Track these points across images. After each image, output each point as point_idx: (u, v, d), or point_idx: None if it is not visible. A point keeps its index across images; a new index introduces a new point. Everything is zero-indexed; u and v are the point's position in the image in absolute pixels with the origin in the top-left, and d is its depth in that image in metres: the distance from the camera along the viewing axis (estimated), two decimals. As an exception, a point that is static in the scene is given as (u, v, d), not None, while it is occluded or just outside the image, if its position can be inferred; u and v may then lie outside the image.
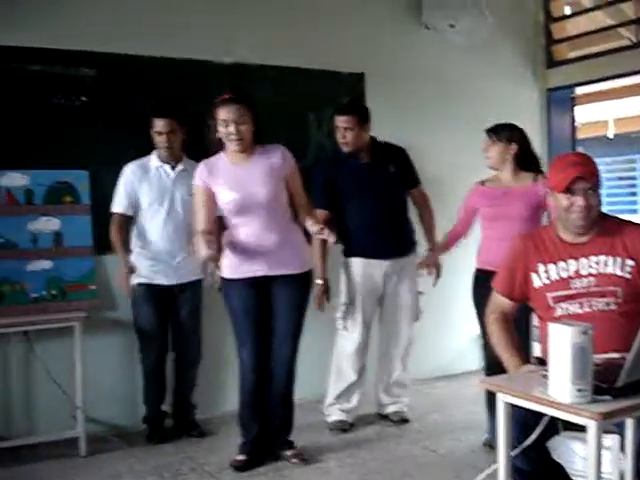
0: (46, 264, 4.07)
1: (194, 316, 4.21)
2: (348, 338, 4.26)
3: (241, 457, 3.71)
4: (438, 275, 4.30)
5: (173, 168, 4.12)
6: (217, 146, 3.58)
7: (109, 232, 4.05)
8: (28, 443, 4.03)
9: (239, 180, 3.53)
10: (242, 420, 3.74)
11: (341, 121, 4.14)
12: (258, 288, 3.61)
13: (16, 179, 4.04)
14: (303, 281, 3.71)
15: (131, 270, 4.03)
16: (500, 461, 2.33)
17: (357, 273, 4.23)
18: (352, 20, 4.99)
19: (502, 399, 2.30)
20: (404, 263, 4.27)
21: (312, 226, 3.54)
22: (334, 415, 4.29)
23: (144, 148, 4.11)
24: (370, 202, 4.18)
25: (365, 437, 4.17)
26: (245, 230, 3.57)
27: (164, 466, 3.77)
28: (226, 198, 3.53)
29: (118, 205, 4.07)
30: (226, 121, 3.47)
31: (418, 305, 4.37)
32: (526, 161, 3.85)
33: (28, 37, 4.05)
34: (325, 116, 4.73)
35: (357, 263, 4.23)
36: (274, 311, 3.67)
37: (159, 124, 4.04)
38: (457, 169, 5.04)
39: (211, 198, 3.56)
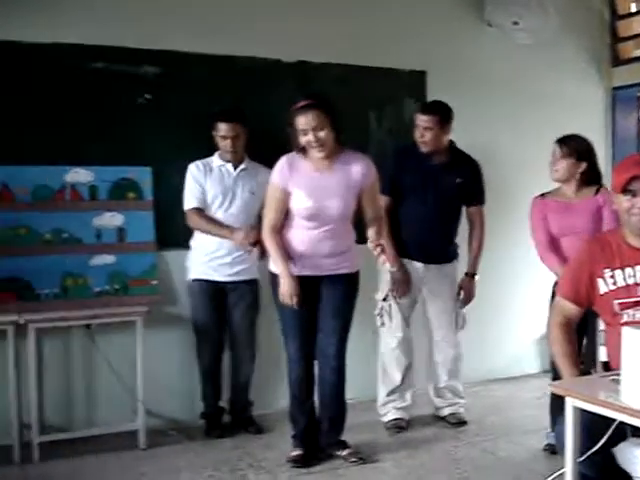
0: (109, 259, 4.13)
1: (249, 314, 4.23)
2: (388, 334, 4.24)
3: (296, 452, 3.73)
4: (468, 301, 4.30)
5: (235, 167, 4.15)
6: (297, 144, 3.57)
7: (190, 225, 4.10)
8: (88, 435, 4.11)
9: (317, 189, 3.53)
10: (291, 413, 3.79)
11: (422, 120, 4.11)
12: (307, 285, 3.60)
13: (81, 175, 4.11)
14: (351, 280, 3.72)
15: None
16: (567, 466, 2.29)
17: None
18: (414, 17, 4.94)
19: (571, 403, 2.25)
20: (444, 270, 4.24)
21: (371, 242, 3.49)
22: (390, 414, 4.28)
23: (206, 145, 4.15)
24: (426, 205, 4.14)
25: (422, 438, 4.14)
26: (307, 234, 3.58)
27: (222, 461, 3.80)
28: (301, 204, 3.54)
29: (191, 200, 4.09)
30: (305, 130, 3.46)
31: (462, 313, 4.32)
32: (591, 177, 3.74)
33: (92, 35, 4.12)
34: (386, 114, 4.71)
35: (404, 263, 4.19)
36: (322, 309, 3.67)
37: (224, 128, 4.06)
38: (521, 170, 5.03)
39: (285, 196, 3.57)
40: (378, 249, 3.43)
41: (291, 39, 4.54)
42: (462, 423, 4.31)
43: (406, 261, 4.18)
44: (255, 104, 4.27)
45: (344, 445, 3.80)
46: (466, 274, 4.32)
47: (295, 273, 3.58)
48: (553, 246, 3.71)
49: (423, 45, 4.94)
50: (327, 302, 3.66)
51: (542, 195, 3.83)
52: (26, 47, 4.01)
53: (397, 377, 4.26)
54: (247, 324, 4.23)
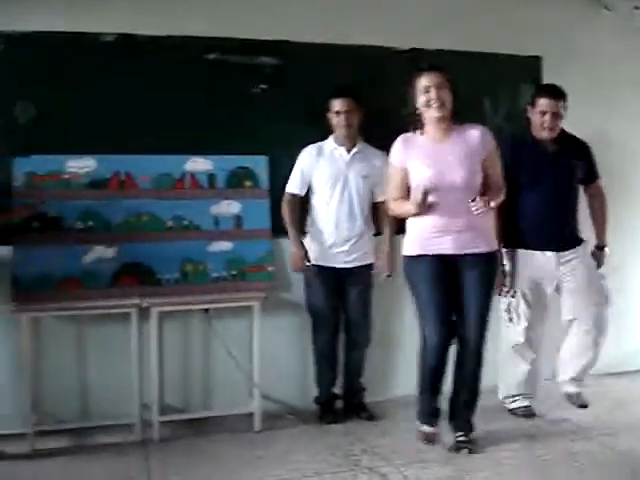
0: (226, 246, 4.23)
1: (364, 299, 4.23)
2: (513, 331, 4.19)
3: (425, 429, 3.77)
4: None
5: (348, 151, 4.16)
6: (413, 122, 3.61)
7: (282, 211, 4.18)
8: (205, 416, 4.25)
9: (436, 157, 3.53)
10: (421, 393, 3.74)
11: (549, 105, 4.05)
12: (445, 265, 3.57)
13: (200, 164, 4.24)
14: (491, 260, 3.66)
15: (305, 253, 4.13)
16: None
17: (521, 265, 4.13)
18: (528, 2, 4.82)
19: None
20: (574, 253, 4.14)
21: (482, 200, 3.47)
22: (516, 402, 4.26)
23: (321, 135, 4.20)
24: (546, 192, 4.06)
25: (539, 429, 4.05)
26: (434, 212, 3.53)
27: (336, 446, 3.84)
28: (420, 175, 3.53)
29: (291, 185, 4.18)
30: (428, 87, 3.52)
31: (606, 288, 4.22)
32: None
33: (209, 27, 4.23)
34: (501, 100, 4.64)
35: (522, 254, 4.13)
36: (462, 291, 3.61)
37: (338, 104, 4.09)
38: (635, 156, 4.91)
39: (404, 174, 3.60)
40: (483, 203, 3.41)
41: (404, 27, 4.53)
42: (583, 406, 4.27)
43: (531, 253, 4.11)
44: (369, 92, 4.26)
45: (470, 428, 3.76)
46: (596, 247, 4.28)
47: (435, 252, 3.56)
48: None
49: (538, 30, 4.80)
50: (469, 284, 3.59)
51: None
52: (144, 40, 4.16)
53: (523, 368, 4.23)
54: (364, 308, 4.23)
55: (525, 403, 4.25)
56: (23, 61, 3.98)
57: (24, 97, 3.99)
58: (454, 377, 3.73)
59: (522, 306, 4.16)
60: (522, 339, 4.18)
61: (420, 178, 3.53)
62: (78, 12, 4.03)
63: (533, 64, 4.82)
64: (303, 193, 4.18)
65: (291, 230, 4.16)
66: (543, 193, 4.06)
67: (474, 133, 3.58)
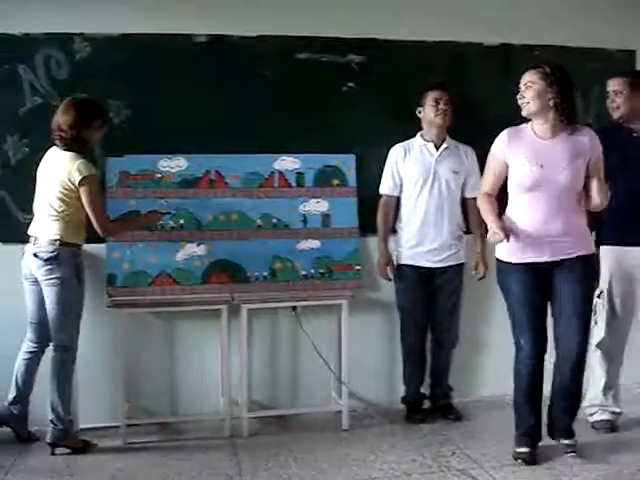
0: (315, 244, 4.25)
1: (454, 299, 4.20)
2: (596, 333, 3.98)
3: (523, 449, 3.58)
4: None
5: (437, 147, 4.13)
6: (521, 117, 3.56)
7: (377, 214, 4.18)
8: (292, 413, 4.29)
9: (541, 154, 3.46)
10: (518, 409, 3.61)
11: (610, 85, 3.97)
12: (540, 273, 3.49)
13: (288, 163, 4.27)
14: (588, 263, 3.57)
15: (390, 262, 4.14)
16: None
17: (609, 263, 3.95)
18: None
19: None
20: None
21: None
22: (596, 415, 4.05)
23: (409, 133, 4.18)
24: (633, 182, 3.85)
25: (633, 440, 3.88)
26: (531, 213, 3.47)
27: (424, 446, 3.82)
28: (523, 171, 3.46)
29: (384, 186, 4.18)
30: (520, 86, 3.50)
31: None
32: None
33: (298, 26, 4.26)
34: (594, 96, 4.52)
35: (609, 251, 3.95)
36: (560, 296, 3.52)
37: (436, 93, 4.07)
38: None
39: (504, 167, 3.54)
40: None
41: (493, 22, 4.46)
42: None
43: (619, 249, 3.92)
44: (458, 89, 4.21)
45: (571, 434, 3.64)
46: None
47: (530, 260, 3.48)
48: None
49: (633, 24, 4.67)
50: (566, 290, 3.50)
51: None
52: (235, 41, 4.22)
53: (603, 375, 4.02)
54: (453, 307, 4.20)
55: (605, 417, 4.01)
56: (117, 63, 4.08)
57: (118, 98, 4.09)
58: (554, 385, 3.61)
59: (603, 308, 3.97)
60: (600, 343, 3.99)
61: (521, 175, 3.47)
62: (169, 14, 4.11)
63: (627, 59, 4.70)
64: (397, 193, 4.17)
65: (380, 236, 4.17)
66: (628, 183, 3.82)
67: (583, 136, 3.49)
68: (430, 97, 4.09)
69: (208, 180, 4.17)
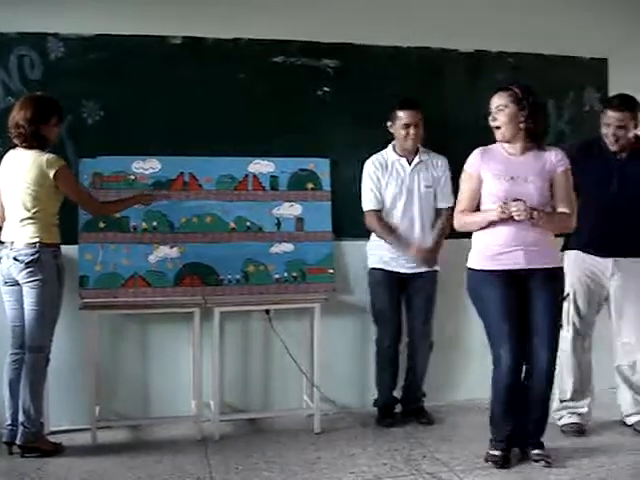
0: (288, 247, 4.26)
1: (428, 304, 4.21)
2: (563, 337, 3.96)
3: (495, 452, 3.59)
4: None
5: (410, 162, 4.16)
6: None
7: (367, 226, 4.17)
8: (264, 416, 4.29)
9: (511, 168, 3.51)
10: (493, 418, 3.61)
11: (615, 118, 3.89)
12: (515, 281, 3.50)
13: (263, 166, 4.27)
14: (559, 277, 3.61)
15: (413, 247, 4.09)
16: None
17: (573, 265, 3.99)
18: (592, 2, 4.74)
19: None
20: (633, 264, 3.96)
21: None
22: (565, 418, 4.09)
23: (382, 138, 4.19)
24: (609, 197, 3.90)
25: (602, 444, 3.90)
26: (504, 222, 3.47)
27: (396, 450, 3.82)
28: (496, 185, 3.51)
29: (369, 202, 4.16)
30: (491, 108, 3.54)
31: None
32: None
33: (273, 30, 4.26)
34: (566, 104, 4.58)
35: (574, 255, 4.01)
36: (532, 308, 3.53)
37: (406, 116, 4.07)
38: None
39: (479, 184, 3.57)
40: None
41: (467, 29, 4.49)
42: None
43: (585, 256, 3.99)
44: (431, 95, 4.26)
45: (540, 445, 3.65)
46: None
47: (506, 267, 3.49)
48: None
49: (604, 31, 4.72)
50: (538, 300, 3.51)
51: None
52: (210, 43, 4.22)
53: (571, 379, 4.05)
54: (427, 313, 4.21)
55: (574, 420, 4.05)
56: (90, 64, 4.06)
57: (92, 99, 4.07)
58: (525, 397, 3.58)
59: (570, 312, 4.02)
60: (567, 346, 4.02)
61: (494, 190, 3.51)
62: (145, 15, 4.10)
63: (599, 67, 4.76)
64: (381, 206, 4.16)
65: (391, 240, 4.12)
66: (602, 197, 3.91)
67: (551, 153, 3.55)
68: (400, 121, 4.09)
69: (182, 182, 4.17)
